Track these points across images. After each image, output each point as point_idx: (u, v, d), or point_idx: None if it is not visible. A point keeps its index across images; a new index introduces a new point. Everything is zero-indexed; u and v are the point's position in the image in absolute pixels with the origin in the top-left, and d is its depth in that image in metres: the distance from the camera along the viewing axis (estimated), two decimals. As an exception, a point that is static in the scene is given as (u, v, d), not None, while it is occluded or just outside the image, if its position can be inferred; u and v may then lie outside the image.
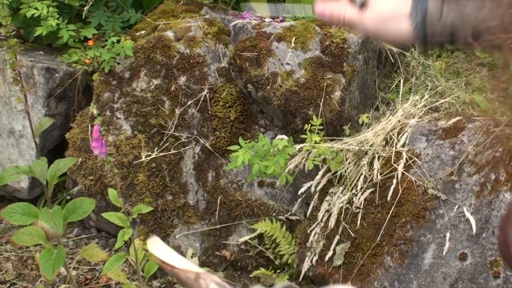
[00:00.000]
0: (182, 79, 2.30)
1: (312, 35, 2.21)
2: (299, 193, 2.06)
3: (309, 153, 1.99)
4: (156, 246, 0.55)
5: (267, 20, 2.48)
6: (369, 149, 1.98)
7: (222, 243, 2.26)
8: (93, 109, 1.46)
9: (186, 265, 0.53)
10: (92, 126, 2.29)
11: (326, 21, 0.83)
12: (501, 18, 0.68)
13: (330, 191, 2.02)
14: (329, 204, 1.99)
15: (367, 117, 2.13)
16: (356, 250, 1.95)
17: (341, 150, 2.01)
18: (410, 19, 0.77)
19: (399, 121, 2.04)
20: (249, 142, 1.97)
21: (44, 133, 2.41)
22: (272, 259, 2.18)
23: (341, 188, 2.00)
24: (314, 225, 2.01)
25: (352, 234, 1.95)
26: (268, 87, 2.13)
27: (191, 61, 2.30)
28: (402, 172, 1.91)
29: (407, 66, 2.64)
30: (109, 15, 2.56)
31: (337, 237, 1.96)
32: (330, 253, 1.96)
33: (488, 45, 0.73)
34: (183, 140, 2.29)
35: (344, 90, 2.14)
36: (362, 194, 1.95)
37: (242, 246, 2.24)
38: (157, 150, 2.29)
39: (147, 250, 1.77)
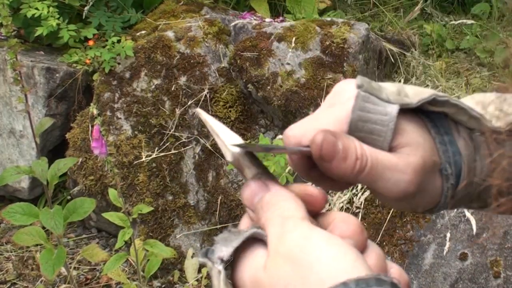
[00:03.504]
0: (183, 79, 2.30)
1: (312, 35, 2.21)
2: (300, 193, 2.06)
3: (310, 153, 1.98)
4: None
5: (267, 20, 2.49)
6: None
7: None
8: (93, 109, 1.46)
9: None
10: (92, 126, 2.29)
11: (328, 168, 0.48)
12: None
13: (330, 191, 2.02)
14: (330, 204, 1.99)
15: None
16: (356, 250, 1.94)
17: (342, 150, 2.01)
18: (441, 173, 0.52)
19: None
20: (250, 142, 1.97)
21: (45, 133, 2.41)
22: (272, 259, 2.18)
23: (342, 188, 2.00)
24: (315, 225, 2.01)
25: (353, 234, 1.95)
26: (269, 87, 2.13)
27: (192, 61, 2.31)
28: (403, 172, 1.90)
29: (407, 66, 2.64)
30: (110, 15, 2.56)
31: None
32: (330, 253, 1.96)
33: None
34: (184, 140, 2.29)
35: (345, 90, 2.13)
36: (362, 194, 1.95)
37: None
38: (157, 150, 2.29)
39: (147, 250, 1.77)
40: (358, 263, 0.39)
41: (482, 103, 0.55)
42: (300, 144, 0.49)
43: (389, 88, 0.51)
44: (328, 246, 0.40)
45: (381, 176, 0.49)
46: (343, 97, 0.51)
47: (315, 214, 0.46)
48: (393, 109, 0.49)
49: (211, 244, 0.44)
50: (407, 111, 0.51)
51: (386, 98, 0.50)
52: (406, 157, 0.49)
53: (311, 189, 0.46)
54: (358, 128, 0.49)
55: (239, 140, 0.47)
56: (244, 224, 0.46)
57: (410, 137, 0.50)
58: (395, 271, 0.44)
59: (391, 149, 0.50)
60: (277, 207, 0.43)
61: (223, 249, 0.42)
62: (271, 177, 0.46)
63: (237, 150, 0.46)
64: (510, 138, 0.53)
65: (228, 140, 0.47)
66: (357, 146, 0.48)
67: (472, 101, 0.55)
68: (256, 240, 0.43)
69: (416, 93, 0.51)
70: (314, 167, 0.50)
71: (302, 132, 0.49)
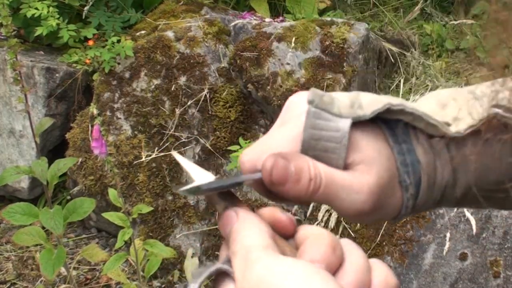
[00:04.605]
0: (182, 79, 2.30)
1: (312, 35, 2.21)
2: (299, 193, 2.06)
3: (309, 153, 1.98)
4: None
5: (267, 20, 2.48)
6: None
7: (222, 243, 2.26)
8: (93, 109, 1.46)
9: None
10: (92, 126, 2.29)
11: (281, 192, 0.47)
12: None
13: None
14: (329, 204, 1.99)
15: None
16: (356, 250, 1.94)
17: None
18: (400, 185, 0.51)
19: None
20: (249, 142, 1.97)
21: (45, 133, 2.41)
22: (272, 259, 2.18)
23: (341, 188, 2.00)
24: (315, 225, 2.01)
25: (352, 234, 1.95)
26: (268, 87, 2.14)
27: (191, 61, 2.31)
28: (402, 172, 1.90)
29: (407, 66, 2.64)
30: (109, 15, 2.56)
31: (337, 237, 1.96)
32: (330, 253, 1.96)
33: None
34: (183, 140, 2.29)
35: (344, 90, 2.14)
36: (362, 194, 1.95)
37: (242, 246, 2.24)
38: (157, 150, 2.29)
39: (147, 250, 1.77)
40: (329, 286, 0.37)
41: (442, 104, 0.54)
42: (255, 169, 0.48)
43: (342, 100, 0.49)
44: (293, 274, 0.37)
45: (336, 196, 0.48)
46: (294, 113, 0.50)
47: (287, 236, 0.45)
48: (345, 124, 0.48)
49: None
50: (363, 122, 0.49)
51: (338, 112, 0.48)
52: (360, 176, 0.48)
53: (278, 214, 0.45)
54: (312, 147, 0.48)
55: (210, 177, 0.47)
56: (223, 254, 0.46)
57: (365, 153, 0.49)
58: (380, 276, 0.42)
59: (346, 166, 0.48)
60: (241, 237, 0.42)
61: (191, 285, 0.42)
62: (241, 205, 0.46)
63: (206, 187, 0.45)
64: (470, 138, 0.52)
65: (198, 179, 0.47)
66: (310, 166, 0.47)
67: (433, 101, 0.54)
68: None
69: (370, 103, 0.50)
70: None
71: (256, 156, 0.48)
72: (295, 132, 0.48)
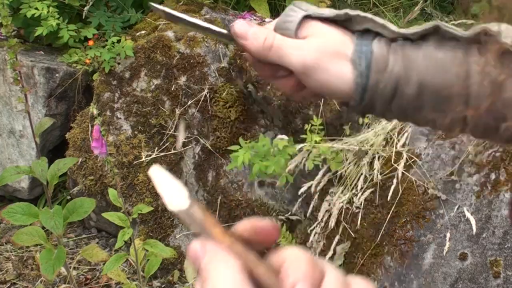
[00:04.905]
0: (182, 79, 2.30)
1: (312, 35, 2.21)
2: (299, 193, 2.07)
3: (310, 153, 1.99)
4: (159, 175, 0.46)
5: (267, 20, 2.48)
6: (369, 149, 1.98)
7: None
8: (93, 109, 1.46)
9: None
10: (92, 126, 2.29)
11: (245, 47, 0.66)
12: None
13: (330, 191, 2.02)
14: (329, 204, 1.99)
15: (367, 117, 2.13)
16: (356, 250, 1.95)
17: (341, 150, 2.01)
18: (352, 64, 0.64)
19: (399, 121, 2.03)
20: (249, 142, 1.97)
21: (45, 133, 2.41)
22: (272, 259, 2.18)
23: (341, 188, 2.00)
24: (315, 225, 2.01)
25: (352, 234, 1.95)
26: (268, 87, 2.13)
27: (191, 61, 2.31)
28: (402, 172, 1.91)
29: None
30: (110, 15, 2.56)
31: (337, 237, 1.96)
32: (330, 253, 1.96)
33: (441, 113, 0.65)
34: (183, 140, 2.29)
35: (344, 90, 2.14)
36: (362, 194, 1.95)
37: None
38: (157, 150, 2.29)
39: (147, 250, 1.77)
40: None
41: None
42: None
43: (319, 9, 0.67)
44: None
45: (285, 52, 0.65)
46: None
47: (268, 248, 0.44)
48: (304, 13, 0.66)
49: None
50: (337, 22, 0.66)
51: (305, 9, 0.66)
52: (305, 41, 0.65)
53: (261, 223, 0.44)
54: (279, 27, 0.67)
55: (184, 194, 0.45)
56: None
57: (316, 30, 0.66)
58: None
59: (302, 39, 0.66)
60: (212, 280, 0.41)
61: None
62: (212, 233, 0.43)
63: (179, 208, 0.43)
64: (423, 43, 0.65)
65: (172, 196, 0.45)
66: (268, 32, 0.65)
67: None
68: None
69: (338, 12, 0.66)
70: (266, 65, 0.67)
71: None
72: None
